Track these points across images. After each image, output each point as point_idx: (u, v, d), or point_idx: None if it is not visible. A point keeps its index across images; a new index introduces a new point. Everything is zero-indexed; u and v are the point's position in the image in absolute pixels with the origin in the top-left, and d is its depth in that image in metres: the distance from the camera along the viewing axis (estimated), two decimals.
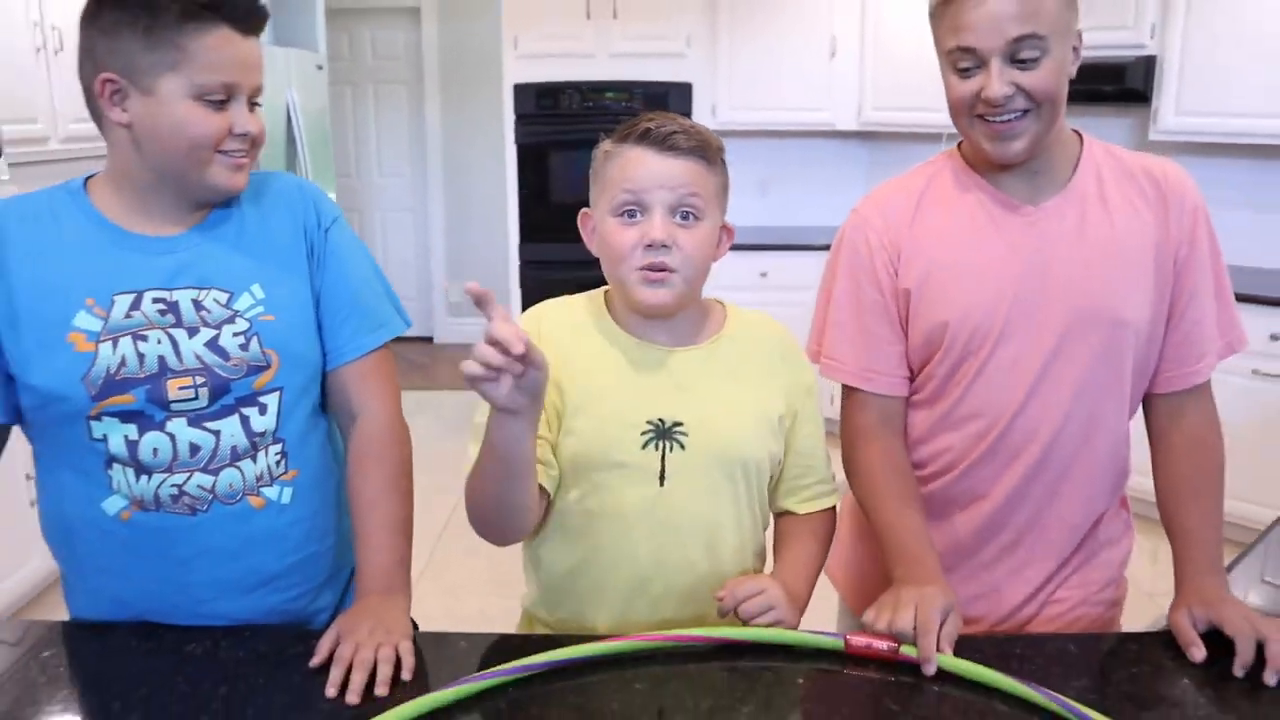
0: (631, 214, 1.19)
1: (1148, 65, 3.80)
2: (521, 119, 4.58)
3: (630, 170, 1.18)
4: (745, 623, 1.16)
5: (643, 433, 1.21)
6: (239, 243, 1.22)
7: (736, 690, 1.05)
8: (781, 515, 1.34)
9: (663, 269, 1.18)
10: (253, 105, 1.19)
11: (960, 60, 1.22)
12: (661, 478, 1.21)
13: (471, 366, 0.96)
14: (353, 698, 1.03)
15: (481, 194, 6.17)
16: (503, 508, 1.14)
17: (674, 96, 4.50)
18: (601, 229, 1.22)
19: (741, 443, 1.24)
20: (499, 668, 1.04)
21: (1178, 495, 1.31)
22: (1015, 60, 1.19)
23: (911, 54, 3.93)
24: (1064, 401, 1.29)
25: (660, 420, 1.22)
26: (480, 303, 0.96)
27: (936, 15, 1.24)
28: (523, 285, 4.66)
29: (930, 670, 1.07)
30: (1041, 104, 1.21)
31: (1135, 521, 1.45)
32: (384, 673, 1.06)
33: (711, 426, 1.23)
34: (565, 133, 4.54)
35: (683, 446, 1.22)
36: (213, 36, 1.12)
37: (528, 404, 1.01)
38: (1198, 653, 1.12)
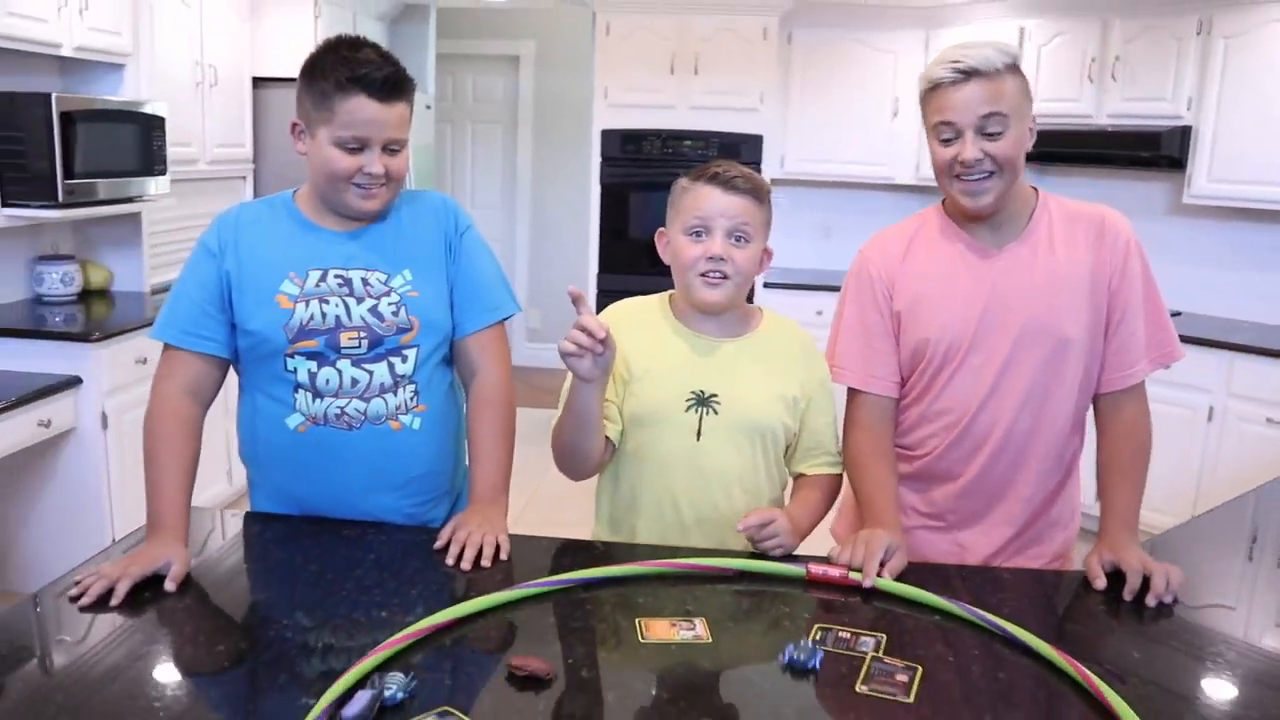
0: (698, 234, 1.58)
1: (1183, 135, 4.11)
2: (607, 161, 5.05)
3: (700, 202, 1.58)
4: (756, 544, 1.54)
5: (686, 399, 1.61)
6: (396, 239, 1.65)
7: (730, 600, 1.43)
8: (797, 477, 1.72)
9: (720, 275, 1.58)
10: (392, 151, 1.57)
11: (943, 132, 1.58)
12: (698, 434, 1.61)
13: (566, 345, 1.42)
14: (465, 565, 1.45)
15: (564, 228, 6.67)
16: (575, 450, 1.57)
17: (746, 147, 4.92)
18: (674, 244, 1.62)
19: (762, 414, 1.63)
20: (562, 576, 1.41)
21: (1110, 472, 1.64)
22: (984, 133, 1.55)
23: None
24: (1017, 400, 1.64)
25: (701, 391, 1.61)
26: (576, 301, 1.41)
27: (925, 98, 1.60)
28: (599, 313, 5.08)
29: (867, 584, 1.42)
30: (1004, 167, 1.56)
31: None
32: (487, 551, 1.47)
33: (739, 399, 1.62)
34: (646, 175, 5.00)
35: (716, 412, 1.61)
36: (353, 102, 1.51)
37: (600, 375, 1.46)
38: (1100, 583, 1.46)
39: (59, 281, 3.65)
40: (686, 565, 1.47)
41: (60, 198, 3.21)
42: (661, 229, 1.66)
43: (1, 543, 3.35)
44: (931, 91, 1.58)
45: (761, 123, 4.98)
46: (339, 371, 1.59)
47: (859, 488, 1.68)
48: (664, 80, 4.97)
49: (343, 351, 1.59)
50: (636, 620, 1.31)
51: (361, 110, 1.52)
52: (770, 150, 4.99)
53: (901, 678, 1.19)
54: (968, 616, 1.34)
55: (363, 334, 1.59)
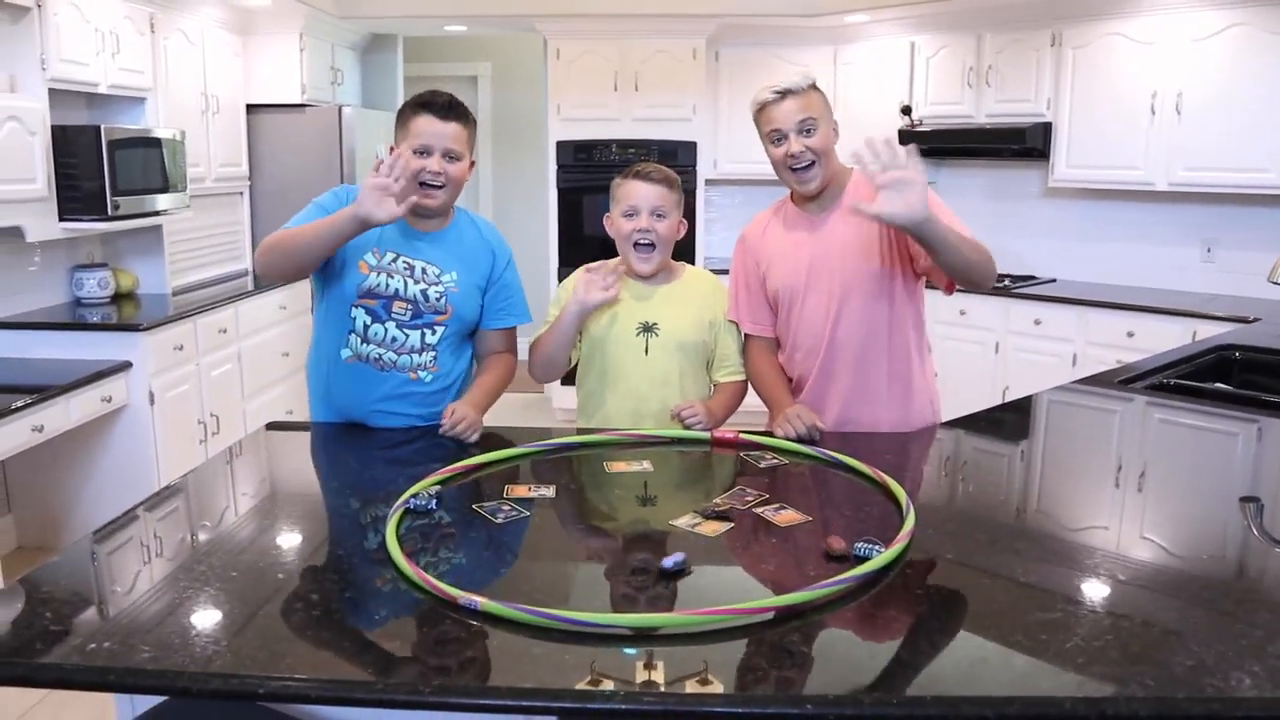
0: (630, 215, 2.28)
1: (1045, 130, 4.89)
2: (562, 169, 5.74)
3: (630, 192, 2.28)
4: (684, 424, 2.23)
5: (635, 328, 2.30)
6: (456, 247, 2.21)
7: (664, 454, 2.12)
8: (715, 384, 2.42)
9: (649, 245, 2.27)
10: (452, 159, 2.14)
11: (774, 137, 2.15)
12: (646, 351, 2.30)
13: (600, 280, 2.18)
14: (467, 437, 2.08)
15: (525, 228, 7.31)
16: (553, 360, 2.28)
17: (682, 152, 5.64)
18: (615, 223, 2.32)
19: (687, 335, 2.33)
20: (557, 440, 2.11)
21: None
22: (802, 133, 2.13)
23: (871, 123, 5.04)
24: (851, 328, 2.25)
25: (645, 321, 2.31)
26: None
27: (757, 116, 2.17)
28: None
29: (778, 437, 2.11)
30: (821, 156, 2.14)
31: None
32: (470, 435, 2.09)
33: (671, 326, 2.31)
34: (597, 180, 5.68)
35: (657, 335, 2.30)
36: (420, 121, 2.12)
37: (592, 310, 2.22)
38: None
39: (96, 286, 4.24)
40: (638, 435, 2.17)
41: (109, 212, 3.82)
42: (608, 214, 2.36)
43: (63, 507, 3.95)
44: (761, 110, 2.17)
45: (695, 131, 5.70)
46: (385, 329, 2.19)
47: (762, 393, 2.36)
48: (609, 97, 5.68)
49: (392, 315, 2.19)
50: (604, 463, 2.00)
51: (427, 126, 2.13)
52: (704, 154, 5.72)
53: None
54: (815, 454, 2.04)
55: (409, 307, 2.18)
